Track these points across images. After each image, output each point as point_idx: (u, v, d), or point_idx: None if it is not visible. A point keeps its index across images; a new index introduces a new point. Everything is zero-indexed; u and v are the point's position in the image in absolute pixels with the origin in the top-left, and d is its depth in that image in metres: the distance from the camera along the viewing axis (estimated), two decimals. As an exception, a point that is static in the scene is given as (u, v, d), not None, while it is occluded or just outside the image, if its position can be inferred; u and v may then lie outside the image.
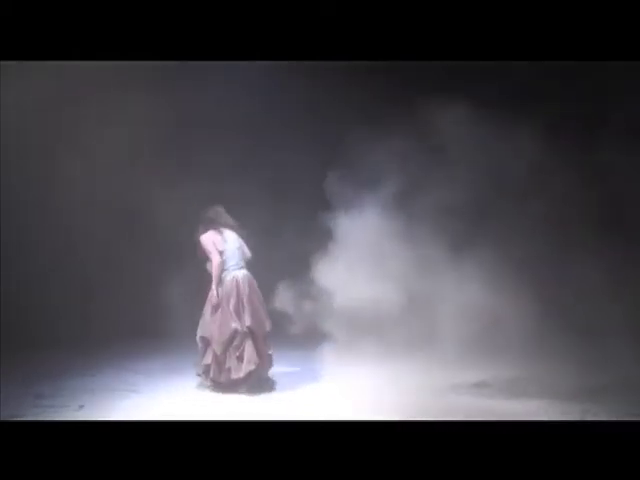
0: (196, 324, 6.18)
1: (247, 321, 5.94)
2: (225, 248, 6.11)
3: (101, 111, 7.60)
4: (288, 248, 7.34)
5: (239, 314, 5.96)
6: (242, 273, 6.09)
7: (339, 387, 6.06)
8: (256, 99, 7.96)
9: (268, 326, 6.11)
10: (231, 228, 6.23)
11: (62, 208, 8.08)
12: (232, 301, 5.97)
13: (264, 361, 6.06)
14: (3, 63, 5.84)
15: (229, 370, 5.93)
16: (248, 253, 6.24)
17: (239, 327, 5.92)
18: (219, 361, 5.95)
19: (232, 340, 5.92)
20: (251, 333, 5.96)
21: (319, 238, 6.52)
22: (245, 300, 5.99)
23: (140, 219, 7.90)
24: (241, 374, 5.90)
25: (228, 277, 6.05)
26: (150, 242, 8.08)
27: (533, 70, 7.20)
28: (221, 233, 6.16)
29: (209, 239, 6.11)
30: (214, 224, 6.18)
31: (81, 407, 5.65)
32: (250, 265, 6.24)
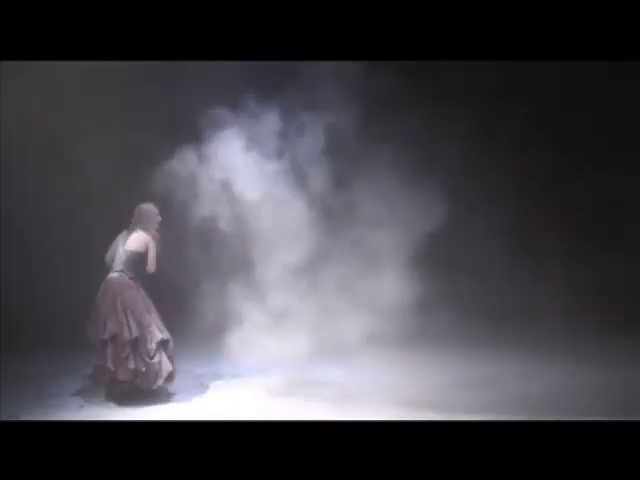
0: (195, 325, 6.17)
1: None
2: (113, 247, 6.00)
3: (100, 110, 7.59)
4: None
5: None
6: (110, 276, 5.89)
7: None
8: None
9: (127, 332, 5.63)
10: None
11: (62, 207, 8.08)
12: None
13: (117, 368, 5.62)
14: (3, 63, 5.85)
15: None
16: (123, 255, 5.88)
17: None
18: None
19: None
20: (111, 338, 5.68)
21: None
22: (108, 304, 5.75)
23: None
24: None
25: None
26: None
27: (517, 69, 7.21)
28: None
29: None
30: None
31: (81, 407, 5.65)
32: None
